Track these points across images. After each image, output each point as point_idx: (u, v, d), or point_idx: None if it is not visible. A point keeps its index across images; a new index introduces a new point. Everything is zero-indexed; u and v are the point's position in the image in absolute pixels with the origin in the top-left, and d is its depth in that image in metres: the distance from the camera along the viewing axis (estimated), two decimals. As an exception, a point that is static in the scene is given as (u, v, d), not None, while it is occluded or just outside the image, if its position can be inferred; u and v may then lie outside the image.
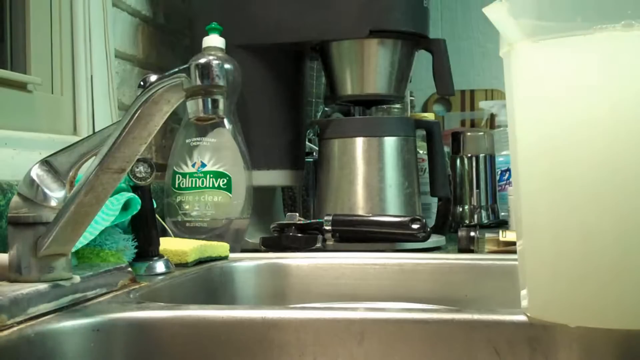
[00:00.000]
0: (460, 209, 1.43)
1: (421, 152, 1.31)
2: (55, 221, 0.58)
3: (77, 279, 0.61)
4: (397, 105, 1.38)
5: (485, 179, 1.42)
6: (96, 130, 1.01)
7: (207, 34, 1.08)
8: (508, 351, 0.51)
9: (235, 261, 0.92)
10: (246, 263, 0.92)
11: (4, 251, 0.61)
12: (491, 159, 1.43)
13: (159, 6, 1.29)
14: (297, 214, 1.08)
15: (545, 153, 0.47)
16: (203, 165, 1.04)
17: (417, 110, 2.05)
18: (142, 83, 0.57)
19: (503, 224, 1.30)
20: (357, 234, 1.03)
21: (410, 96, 1.54)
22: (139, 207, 0.77)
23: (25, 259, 0.58)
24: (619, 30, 0.44)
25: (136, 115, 0.56)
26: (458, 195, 1.43)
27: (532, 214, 0.49)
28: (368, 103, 1.22)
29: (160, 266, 0.80)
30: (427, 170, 1.21)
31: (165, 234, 1.01)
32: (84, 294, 0.62)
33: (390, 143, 1.15)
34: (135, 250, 0.79)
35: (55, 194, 0.59)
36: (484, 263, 0.90)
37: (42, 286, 0.57)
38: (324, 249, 1.01)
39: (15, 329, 0.52)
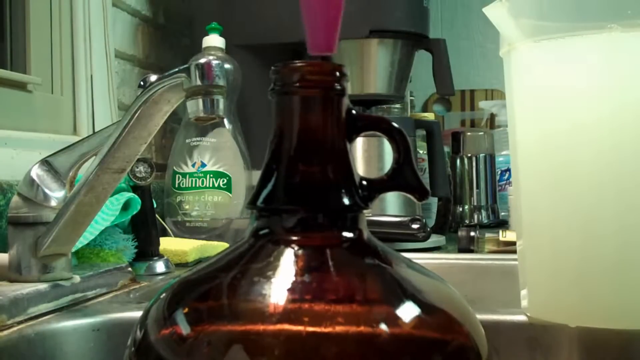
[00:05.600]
0: (460, 209, 1.42)
1: (421, 152, 1.31)
2: (55, 221, 0.58)
3: (77, 279, 0.62)
4: (397, 105, 1.38)
5: (485, 179, 1.42)
6: (96, 130, 1.01)
7: (207, 34, 1.08)
8: (508, 351, 0.51)
9: (235, 261, 0.91)
10: (246, 263, 0.92)
11: (4, 251, 0.61)
12: (491, 159, 1.43)
13: (159, 6, 1.29)
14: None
15: (546, 153, 0.47)
16: (203, 165, 1.04)
17: (417, 110, 2.05)
18: (142, 83, 0.57)
19: (503, 224, 1.30)
20: (357, 234, 1.03)
21: (410, 96, 1.54)
22: (139, 207, 0.77)
23: (25, 259, 0.58)
24: (619, 30, 0.44)
25: (136, 115, 0.56)
26: (458, 195, 1.43)
27: (532, 213, 0.49)
28: (368, 103, 1.22)
29: (160, 266, 0.80)
30: (427, 170, 1.21)
31: (165, 234, 1.01)
32: (84, 294, 0.62)
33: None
34: (135, 250, 0.79)
35: (55, 194, 0.59)
36: (484, 263, 0.90)
37: (42, 286, 0.57)
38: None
39: (15, 329, 0.52)
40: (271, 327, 0.28)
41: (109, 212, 0.73)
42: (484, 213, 1.41)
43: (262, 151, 0.32)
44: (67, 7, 1.02)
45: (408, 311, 0.29)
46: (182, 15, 1.35)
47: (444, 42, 1.17)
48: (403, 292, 0.30)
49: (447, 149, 1.41)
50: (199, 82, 0.56)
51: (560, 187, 0.47)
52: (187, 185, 1.03)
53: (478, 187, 1.42)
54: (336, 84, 0.32)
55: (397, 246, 1.03)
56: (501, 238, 1.01)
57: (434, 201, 1.37)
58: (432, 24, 1.20)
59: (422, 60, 1.24)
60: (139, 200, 0.77)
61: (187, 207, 1.03)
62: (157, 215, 0.86)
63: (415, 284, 0.31)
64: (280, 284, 0.29)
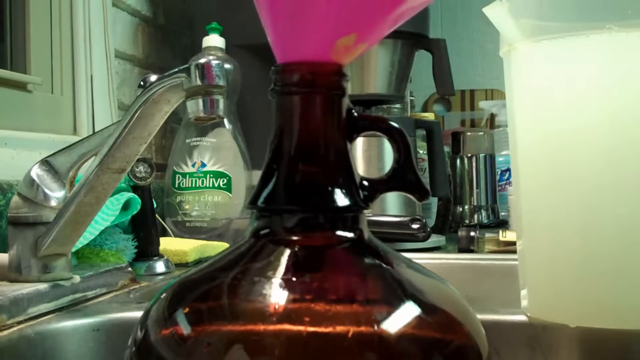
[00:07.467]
0: (460, 209, 1.42)
1: (421, 152, 1.31)
2: (55, 221, 0.58)
3: (77, 279, 0.62)
4: (397, 105, 1.38)
5: (485, 179, 1.42)
6: (96, 130, 1.01)
7: (207, 34, 1.08)
8: (508, 351, 0.51)
9: (235, 261, 0.91)
10: (246, 263, 0.92)
11: (4, 251, 0.61)
12: (491, 159, 1.43)
13: (159, 6, 1.29)
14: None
15: (545, 153, 0.47)
16: (203, 165, 1.04)
17: (417, 110, 2.05)
18: (142, 83, 0.57)
19: (503, 224, 1.30)
20: (357, 234, 1.03)
21: (410, 96, 1.54)
22: (139, 207, 0.77)
23: (25, 259, 0.58)
24: (619, 30, 0.44)
25: (136, 115, 0.56)
26: (458, 195, 1.43)
27: (532, 213, 0.49)
28: (368, 103, 1.22)
29: (160, 266, 0.80)
30: (427, 170, 1.21)
31: (165, 234, 1.01)
32: (84, 294, 0.62)
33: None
34: (135, 250, 0.79)
35: (55, 194, 0.59)
36: (484, 263, 0.90)
37: (42, 286, 0.57)
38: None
39: (15, 329, 0.52)
40: (272, 327, 0.28)
41: (109, 212, 0.73)
42: (484, 213, 1.41)
43: (262, 151, 0.32)
44: (67, 7, 1.02)
45: (408, 311, 0.29)
46: (182, 15, 1.35)
47: (444, 42, 1.17)
48: (403, 292, 0.30)
49: (447, 149, 1.41)
50: (199, 82, 0.56)
51: (560, 188, 0.47)
52: (187, 185, 1.03)
53: (478, 187, 1.42)
54: (336, 84, 0.32)
55: (397, 246, 1.03)
56: (501, 238, 1.01)
57: (434, 201, 1.37)
58: (432, 24, 1.20)
59: (422, 60, 1.24)
60: (139, 200, 0.77)
61: (187, 207, 1.03)
62: (157, 215, 0.86)
63: (416, 284, 0.31)
64: (280, 284, 0.29)
